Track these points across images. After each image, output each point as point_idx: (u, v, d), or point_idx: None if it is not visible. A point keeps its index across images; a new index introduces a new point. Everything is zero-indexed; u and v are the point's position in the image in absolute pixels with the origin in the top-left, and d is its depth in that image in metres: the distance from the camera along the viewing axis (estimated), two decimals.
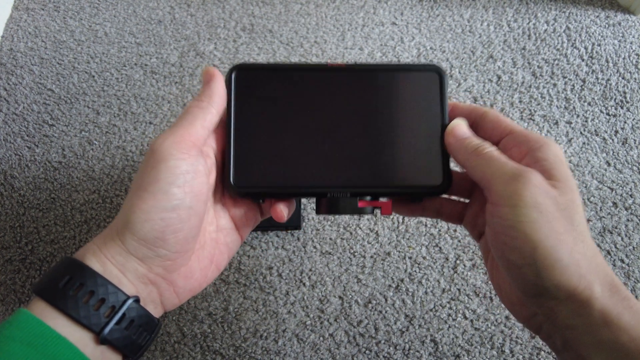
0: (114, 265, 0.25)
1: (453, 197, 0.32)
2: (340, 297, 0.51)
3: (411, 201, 0.31)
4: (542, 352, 0.47)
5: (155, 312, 0.27)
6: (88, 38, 0.73)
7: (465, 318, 0.49)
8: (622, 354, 0.21)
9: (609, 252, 0.53)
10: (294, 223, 0.54)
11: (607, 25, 0.71)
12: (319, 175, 0.28)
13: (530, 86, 0.65)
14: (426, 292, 0.51)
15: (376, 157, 0.29)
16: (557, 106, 0.63)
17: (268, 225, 0.54)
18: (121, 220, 0.26)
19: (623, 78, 0.66)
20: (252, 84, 0.29)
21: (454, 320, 0.49)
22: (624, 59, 0.67)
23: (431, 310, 0.50)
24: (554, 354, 0.26)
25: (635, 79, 0.65)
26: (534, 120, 0.62)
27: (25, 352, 0.22)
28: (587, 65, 0.67)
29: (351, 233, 0.54)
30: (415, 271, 0.52)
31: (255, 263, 0.53)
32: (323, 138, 0.29)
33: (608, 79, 0.66)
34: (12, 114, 0.65)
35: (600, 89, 0.65)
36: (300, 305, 0.51)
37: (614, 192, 0.57)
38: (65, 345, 0.23)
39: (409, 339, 0.48)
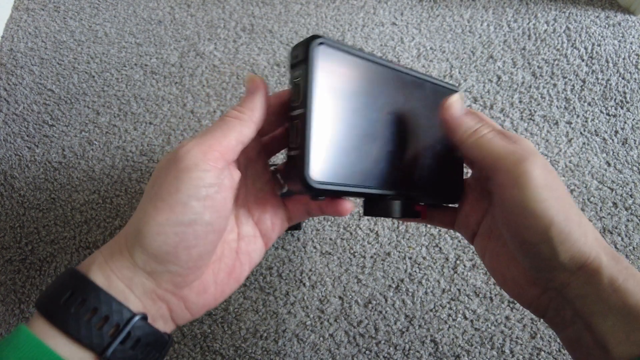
0: (120, 279, 0.23)
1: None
2: (340, 298, 0.51)
3: (433, 207, 0.33)
4: (542, 353, 0.47)
5: (165, 327, 0.26)
6: (88, 38, 0.73)
7: (466, 318, 0.49)
8: (632, 316, 0.22)
9: None
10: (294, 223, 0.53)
11: (607, 26, 0.71)
12: (385, 177, 0.27)
13: (530, 86, 0.65)
14: (426, 293, 0.51)
15: (421, 163, 0.30)
16: (557, 106, 0.63)
17: None
18: (132, 230, 0.24)
19: (623, 78, 0.66)
20: (334, 66, 0.25)
21: (454, 320, 0.49)
22: (624, 59, 0.67)
23: (431, 310, 0.50)
24: (555, 350, 0.26)
25: (635, 79, 0.65)
26: (534, 120, 0.62)
27: None
28: (587, 65, 0.67)
29: (351, 233, 0.54)
30: (415, 271, 0.52)
31: None
32: (389, 140, 0.28)
33: (608, 79, 0.66)
34: (12, 114, 0.65)
35: (600, 89, 0.65)
36: (300, 305, 0.51)
37: (614, 192, 0.57)
38: None
39: (409, 339, 0.48)
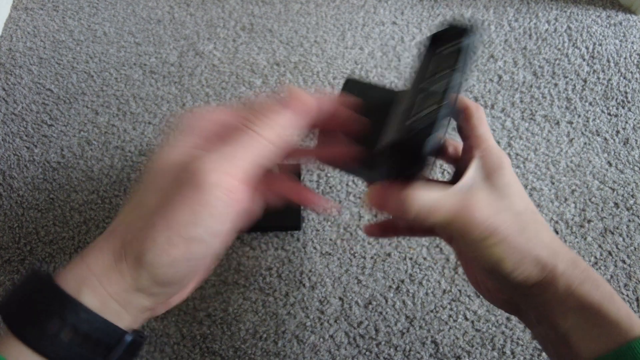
0: (117, 301, 0.22)
1: None
2: (340, 298, 0.51)
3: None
4: (543, 354, 0.47)
5: (141, 324, 0.26)
6: (87, 38, 0.72)
7: (466, 319, 0.49)
8: (588, 315, 0.24)
9: (610, 253, 0.52)
10: (294, 224, 0.53)
11: (608, 25, 0.71)
12: None
13: (531, 86, 0.65)
14: (427, 293, 0.51)
15: None
16: (558, 106, 0.63)
17: (268, 226, 0.54)
18: (134, 252, 0.21)
19: (624, 78, 0.65)
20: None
21: (454, 321, 0.49)
22: (625, 58, 0.67)
23: (432, 311, 0.50)
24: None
25: (636, 78, 0.65)
26: (535, 120, 0.62)
27: None
28: (588, 65, 0.67)
29: (351, 234, 0.54)
30: (415, 272, 0.52)
31: (255, 264, 0.53)
32: None
33: (609, 79, 0.65)
34: (11, 114, 0.65)
35: (601, 89, 0.64)
36: (300, 306, 0.50)
37: (615, 192, 0.56)
38: None
39: (410, 340, 0.48)
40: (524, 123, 0.62)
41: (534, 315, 0.27)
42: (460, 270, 0.52)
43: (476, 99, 0.64)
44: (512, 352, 0.47)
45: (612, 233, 0.54)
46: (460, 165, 0.30)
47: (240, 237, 0.54)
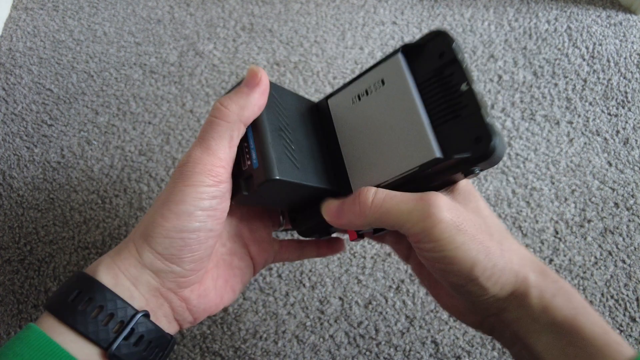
0: (127, 278, 0.25)
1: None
2: (340, 298, 0.51)
3: None
4: None
5: (169, 328, 0.27)
6: (87, 38, 0.72)
7: None
8: (563, 332, 0.23)
9: (610, 253, 0.52)
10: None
11: (608, 25, 0.71)
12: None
13: (531, 86, 0.65)
14: (427, 293, 0.51)
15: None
16: (558, 106, 0.63)
17: None
18: (140, 233, 0.25)
19: (624, 78, 0.65)
20: None
21: (454, 321, 0.49)
22: (625, 58, 0.67)
23: (432, 311, 0.50)
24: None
25: (636, 78, 0.65)
26: (535, 120, 0.62)
27: None
28: (588, 65, 0.67)
29: None
30: None
31: None
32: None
33: (609, 79, 0.65)
34: (11, 113, 0.65)
35: (601, 89, 0.64)
36: (300, 306, 0.50)
37: (615, 192, 0.56)
38: None
39: (410, 340, 0.48)
40: (524, 123, 0.62)
41: (508, 334, 0.26)
42: None
43: None
44: None
45: (612, 233, 0.54)
46: None
47: None
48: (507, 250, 0.24)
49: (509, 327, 0.25)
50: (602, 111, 0.63)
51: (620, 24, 0.71)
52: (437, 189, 0.26)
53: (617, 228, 0.54)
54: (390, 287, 0.51)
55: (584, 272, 0.51)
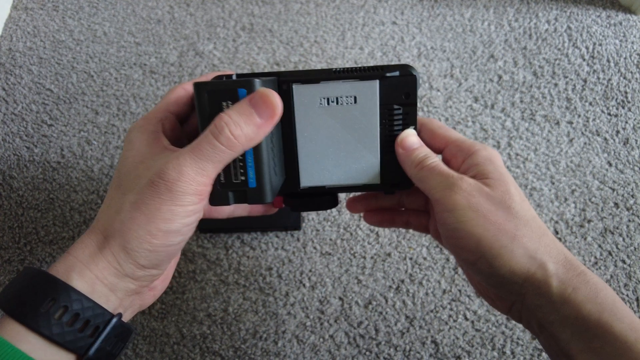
0: (105, 285, 0.25)
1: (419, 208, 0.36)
2: (340, 298, 0.51)
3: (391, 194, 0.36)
4: (544, 354, 0.47)
5: (131, 316, 0.29)
6: (87, 38, 0.72)
7: (466, 319, 0.49)
8: (583, 328, 0.23)
9: (610, 253, 0.52)
10: (294, 224, 0.53)
11: (608, 25, 0.71)
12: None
13: (531, 86, 0.65)
14: (427, 293, 0.51)
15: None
16: (558, 106, 0.63)
17: (267, 226, 0.54)
18: (120, 245, 0.25)
19: (624, 78, 0.65)
20: None
21: (454, 321, 0.49)
22: (625, 58, 0.67)
23: (432, 311, 0.50)
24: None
25: (636, 79, 0.65)
26: (535, 120, 0.62)
27: None
28: (588, 65, 0.67)
29: (351, 234, 0.54)
30: (415, 272, 0.52)
31: (255, 264, 0.53)
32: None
33: (609, 79, 0.65)
34: (11, 114, 0.65)
35: (601, 89, 0.64)
36: (300, 306, 0.50)
37: (615, 192, 0.56)
38: None
39: (410, 340, 0.48)
40: (524, 123, 0.62)
41: (535, 323, 0.26)
42: (461, 270, 0.52)
43: (476, 99, 0.64)
44: (512, 352, 0.47)
45: (612, 233, 0.54)
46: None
47: (240, 237, 0.54)
48: (526, 236, 0.25)
49: (533, 314, 0.25)
50: (602, 111, 0.63)
51: (620, 24, 0.71)
52: None
53: (617, 228, 0.54)
54: (390, 287, 0.51)
55: None
